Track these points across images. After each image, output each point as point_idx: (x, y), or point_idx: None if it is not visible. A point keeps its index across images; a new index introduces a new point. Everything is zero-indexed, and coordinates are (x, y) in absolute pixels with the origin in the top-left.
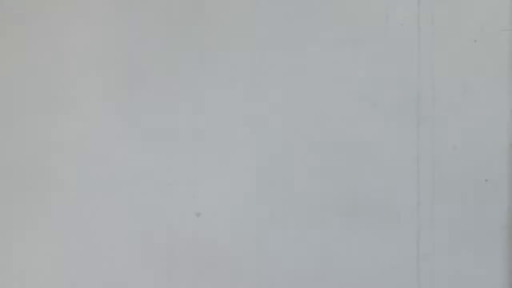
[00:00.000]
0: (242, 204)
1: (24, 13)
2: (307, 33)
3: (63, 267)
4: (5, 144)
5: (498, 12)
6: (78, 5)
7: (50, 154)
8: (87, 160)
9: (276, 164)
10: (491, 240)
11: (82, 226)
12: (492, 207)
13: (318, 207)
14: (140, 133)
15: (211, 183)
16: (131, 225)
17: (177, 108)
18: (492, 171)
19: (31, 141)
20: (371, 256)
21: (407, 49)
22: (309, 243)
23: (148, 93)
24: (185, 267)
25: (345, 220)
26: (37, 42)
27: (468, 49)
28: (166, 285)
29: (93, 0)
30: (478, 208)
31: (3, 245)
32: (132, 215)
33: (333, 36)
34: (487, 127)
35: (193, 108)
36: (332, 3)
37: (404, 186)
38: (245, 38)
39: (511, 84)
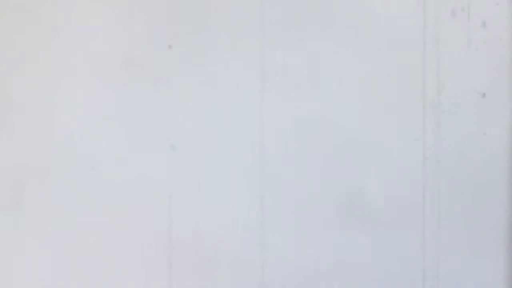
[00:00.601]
0: (242, 204)
1: (24, 13)
2: (310, 32)
3: (63, 267)
4: (4, 145)
5: (497, 13)
6: (78, 5)
7: (49, 155)
8: (87, 160)
9: (277, 164)
10: (493, 240)
11: (82, 226)
12: (494, 207)
13: (321, 207)
14: (140, 134)
15: (211, 183)
16: (132, 226)
17: (177, 109)
18: (494, 171)
19: (30, 141)
20: (375, 257)
21: (412, 48)
22: (310, 243)
23: (148, 93)
24: (186, 268)
25: (348, 221)
26: (37, 42)
27: (472, 49)
28: (166, 285)
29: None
30: (480, 208)
31: (2, 246)
32: (133, 216)
33: (336, 35)
34: (488, 127)
35: (194, 108)
36: (337, 3)
37: (409, 187)
38: (246, 38)
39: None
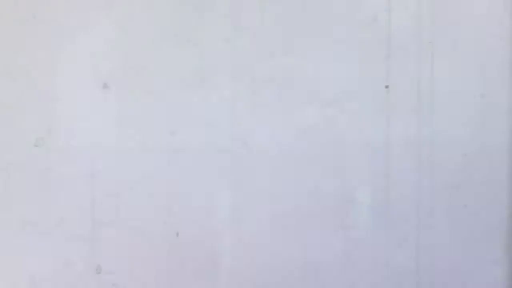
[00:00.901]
0: (242, 204)
1: (24, 13)
2: (306, 35)
3: (63, 267)
4: (4, 144)
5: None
6: (78, 5)
7: (50, 154)
8: (89, 160)
9: (275, 165)
10: (491, 240)
11: (83, 226)
12: (493, 207)
13: (319, 207)
14: (141, 133)
15: (211, 183)
16: (133, 227)
17: (177, 109)
18: (493, 172)
19: (30, 141)
20: (373, 257)
21: (407, 51)
22: (307, 243)
23: (148, 92)
24: (186, 268)
25: (345, 221)
26: (37, 42)
27: (468, 50)
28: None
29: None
30: (478, 208)
31: (4, 245)
32: (135, 217)
33: (331, 38)
34: (487, 127)
35: (193, 108)
36: (331, 7)
37: (405, 187)
38: (244, 39)
39: (511, 84)
